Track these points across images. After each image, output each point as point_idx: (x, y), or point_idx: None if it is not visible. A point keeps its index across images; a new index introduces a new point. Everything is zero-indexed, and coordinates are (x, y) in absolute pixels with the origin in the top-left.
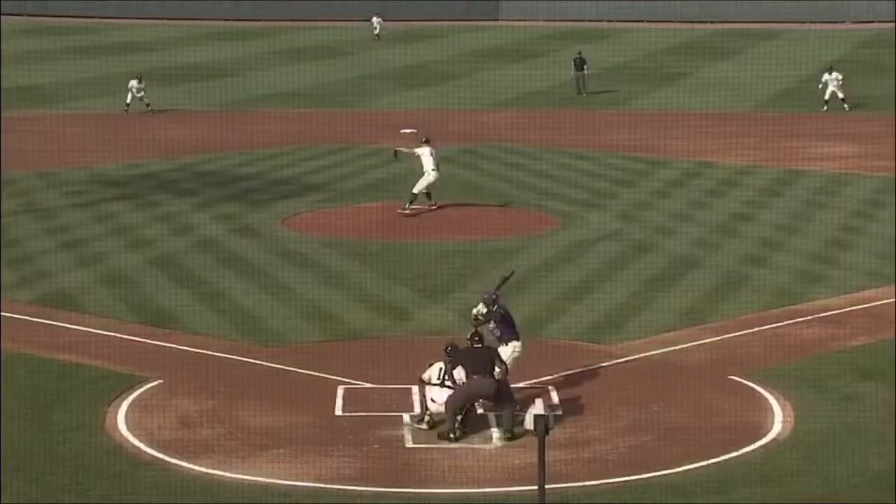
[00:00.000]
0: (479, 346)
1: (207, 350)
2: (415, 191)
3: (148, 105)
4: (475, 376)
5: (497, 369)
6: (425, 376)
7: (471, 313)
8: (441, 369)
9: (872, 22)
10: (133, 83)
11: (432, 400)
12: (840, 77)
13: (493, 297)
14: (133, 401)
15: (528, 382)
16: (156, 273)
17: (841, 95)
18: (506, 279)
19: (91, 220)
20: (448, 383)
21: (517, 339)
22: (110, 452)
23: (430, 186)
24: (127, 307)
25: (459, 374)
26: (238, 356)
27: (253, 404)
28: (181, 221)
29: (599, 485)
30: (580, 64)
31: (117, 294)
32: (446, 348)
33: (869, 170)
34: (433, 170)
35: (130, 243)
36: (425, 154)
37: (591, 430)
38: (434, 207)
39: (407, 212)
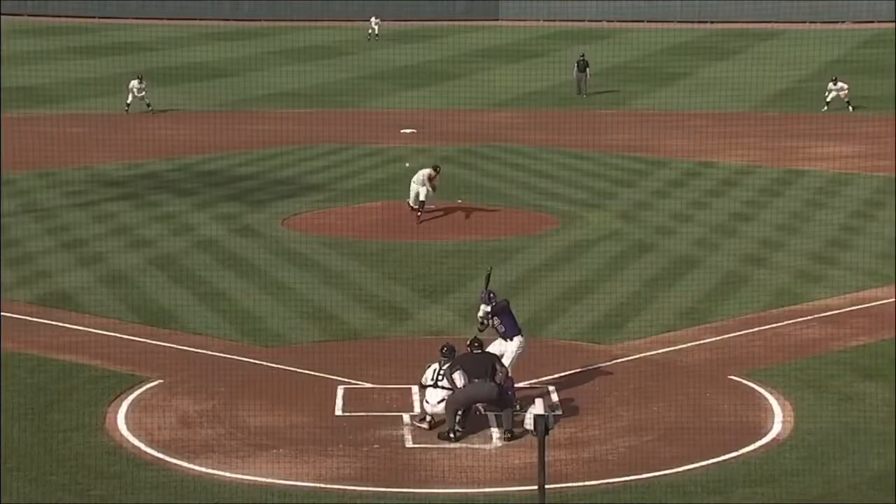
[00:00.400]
0: (479, 351)
1: (207, 350)
2: (421, 198)
3: (149, 105)
4: (476, 381)
5: (499, 374)
6: (423, 379)
7: (477, 317)
8: (435, 370)
9: (872, 22)
10: (134, 83)
11: (426, 401)
12: (845, 86)
13: (488, 294)
14: (133, 401)
15: (528, 382)
16: (156, 273)
17: (846, 100)
18: (488, 277)
19: (91, 220)
20: (441, 383)
21: (520, 335)
22: (110, 452)
23: (424, 197)
24: (127, 307)
25: (460, 378)
26: (238, 356)
27: (253, 404)
28: (181, 221)
29: (599, 485)
30: (583, 66)
31: (117, 294)
32: (442, 348)
33: (869, 170)
34: (411, 193)
35: (130, 243)
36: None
37: (591, 430)
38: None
39: (420, 216)
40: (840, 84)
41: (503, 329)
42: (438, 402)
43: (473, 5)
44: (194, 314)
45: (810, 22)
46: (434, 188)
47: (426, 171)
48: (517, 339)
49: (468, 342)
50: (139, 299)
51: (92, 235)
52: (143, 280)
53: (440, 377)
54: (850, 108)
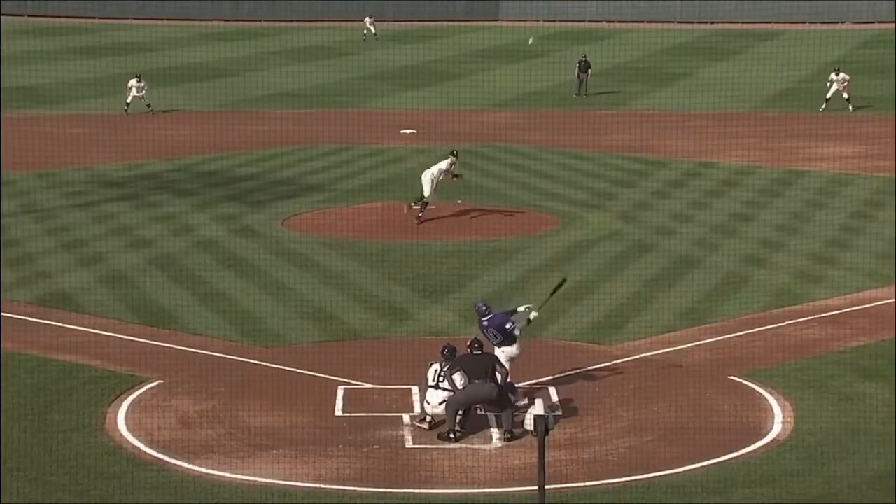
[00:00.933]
0: (479, 352)
1: (207, 350)
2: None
3: (149, 106)
4: (476, 381)
5: (498, 375)
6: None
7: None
8: (436, 371)
9: (872, 22)
10: (133, 82)
11: (427, 402)
12: (847, 78)
13: (485, 306)
14: (133, 401)
15: (528, 382)
16: (156, 273)
17: (846, 96)
18: (559, 286)
19: (91, 220)
20: (443, 385)
21: (507, 345)
22: (110, 452)
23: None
24: (127, 307)
25: (460, 379)
26: (238, 356)
27: (253, 404)
28: (181, 222)
29: (599, 485)
30: (585, 66)
31: (117, 294)
32: (443, 349)
33: (869, 170)
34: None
35: (130, 243)
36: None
37: (591, 430)
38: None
39: (420, 215)
40: (842, 75)
41: (499, 339)
42: (439, 404)
43: (473, 5)
44: (194, 314)
45: (810, 22)
46: (453, 171)
47: (443, 164)
48: (512, 348)
49: (468, 343)
50: (139, 299)
51: (92, 236)
52: (143, 280)
53: (440, 378)
54: (851, 107)
